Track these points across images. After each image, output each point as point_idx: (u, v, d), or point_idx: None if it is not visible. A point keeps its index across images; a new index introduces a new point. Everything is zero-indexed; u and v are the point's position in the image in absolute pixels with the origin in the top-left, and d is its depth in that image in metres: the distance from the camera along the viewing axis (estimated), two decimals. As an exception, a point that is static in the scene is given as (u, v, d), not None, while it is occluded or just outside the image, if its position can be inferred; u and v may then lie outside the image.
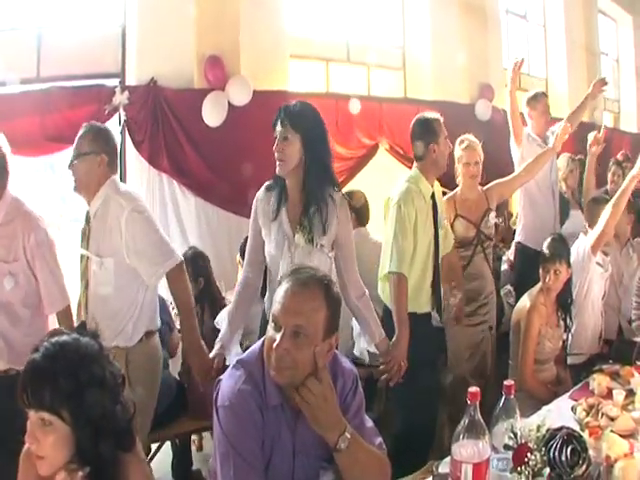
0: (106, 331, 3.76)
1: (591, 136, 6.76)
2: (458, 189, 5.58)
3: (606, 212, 5.10)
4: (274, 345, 2.32)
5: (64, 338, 2.19)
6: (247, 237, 5.13)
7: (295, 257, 3.74)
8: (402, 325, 4.23)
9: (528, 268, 6.02)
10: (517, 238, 6.63)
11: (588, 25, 13.32)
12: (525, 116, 6.53)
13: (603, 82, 6.50)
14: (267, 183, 3.89)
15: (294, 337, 2.32)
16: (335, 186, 3.85)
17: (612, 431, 3.26)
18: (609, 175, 8.51)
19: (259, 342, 2.54)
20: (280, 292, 2.41)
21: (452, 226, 5.26)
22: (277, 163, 3.72)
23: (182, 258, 4.05)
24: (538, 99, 6.59)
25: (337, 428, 2.37)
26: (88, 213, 4.07)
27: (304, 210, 3.74)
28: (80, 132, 4.06)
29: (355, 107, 8.02)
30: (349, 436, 2.37)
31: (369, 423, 2.65)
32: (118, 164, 4.17)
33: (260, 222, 3.86)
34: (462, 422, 2.42)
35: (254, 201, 3.91)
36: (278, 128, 3.71)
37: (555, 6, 12.75)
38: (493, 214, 5.58)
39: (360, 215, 5.94)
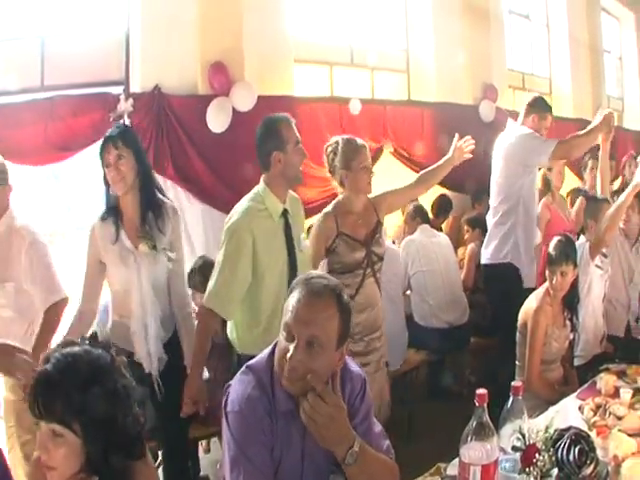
0: None
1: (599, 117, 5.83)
2: (337, 201, 4.61)
3: (603, 224, 5.11)
4: (288, 356, 2.32)
5: (76, 349, 2.19)
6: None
7: (141, 267, 3.94)
8: (195, 367, 3.92)
9: (512, 296, 5.53)
10: (505, 259, 5.85)
11: (591, 24, 13.36)
12: (522, 112, 6.07)
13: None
14: (100, 214, 4.03)
15: (308, 347, 2.32)
16: (164, 195, 4.20)
17: (620, 430, 3.28)
18: (626, 169, 8.63)
19: (269, 347, 2.54)
20: (292, 301, 2.39)
21: (333, 249, 4.43)
22: (113, 186, 3.92)
23: (65, 296, 4.14)
24: (547, 114, 5.98)
25: (345, 443, 2.35)
26: None
27: (142, 220, 3.96)
28: None
29: (356, 107, 8.02)
30: (357, 449, 2.36)
31: (377, 427, 2.66)
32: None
33: (101, 250, 4.00)
34: (470, 424, 2.43)
35: (89, 234, 4.05)
36: (110, 151, 3.88)
37: (558, 5, 12.76)
38: (384, 229, 4.90)
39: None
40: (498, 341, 6.07)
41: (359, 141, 4.54)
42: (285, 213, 4.05)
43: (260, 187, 4.06)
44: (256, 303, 3.97)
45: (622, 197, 5.13)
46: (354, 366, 2.67)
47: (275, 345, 2.47)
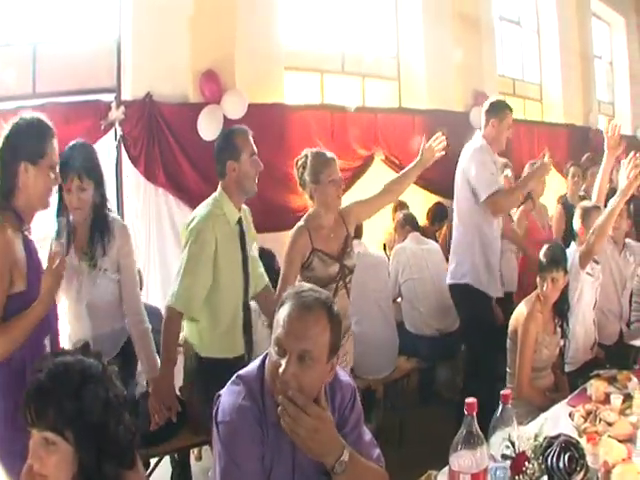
0: None
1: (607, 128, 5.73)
2: (309, 215, 4.52)
3: (592, 234, 5.05)
4: (280, 370, 2.32)
5: (68, 358, 2.20)
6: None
7: (82, 286, 3.98)
8: (166, 366, 3.98)
9: (479, 310, 5.70)
10: (463, 279, 5.72)
11: (582, 29, 13.42)
12: (482, 121, 5.84)
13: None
14: (55, 229, 3.92)
15: (300, 361, 2.31)
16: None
17: (610, 436, 3.30)
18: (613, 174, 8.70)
19: (260, 358, 2.54)
20: (283, 316, 2.38)
21: (307, 265, 4.39)
22: (70, 210, 3.94)
23: None
24: (507, 112, 5.78)
25: (333, 453, 2.34)
26: None
27: (89, 238, 3.98)
28: None
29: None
30: (346, 459, 2.35)
31: (367, 436, 2.66)
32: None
33: None
34: (459, 433, 2.44)
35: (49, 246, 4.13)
36: (73, 179, 3.87)
37: (548, 11, 12.82)
38: (356, 242, 4.96)
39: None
40: (466, 357, 6.09)
41: (328, 154, 4.49)
42: (240, 221, 4.21)
43: (217, 193, 4.19)
44: (216, 304, 4.10)
45: (610, 206, 5.05)
46: (344, 376, 2.69)
47: (265, 356, 2.48)
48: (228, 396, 2.46)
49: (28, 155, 3.23)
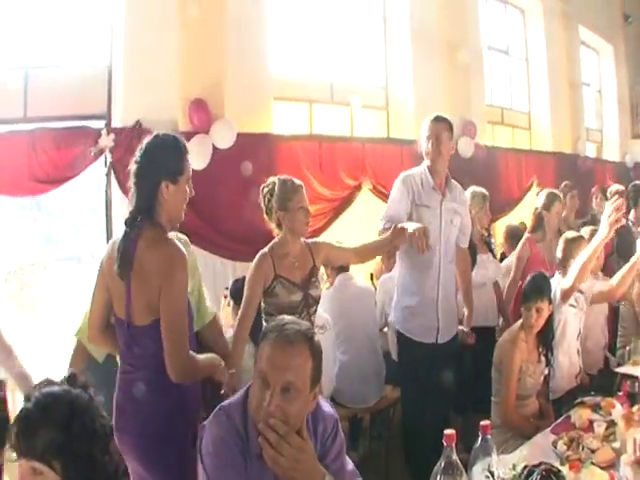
0: None
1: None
2: (274, 242, 4.45)
3: (574, 270, 4.96)
4: (265, 403, 2.34)
5: (55, 389, 2.22)
6: (236, 279, 5.05)
7: None
8: None
9: (401, 352, 5.42)
10: (396, 326, 5.34)
11: (570, 57, 13.57)
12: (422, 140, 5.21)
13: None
14: None
15: (284, 393, 2.34)
16: None
17: (592, 463, 3.31)
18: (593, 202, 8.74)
19: (243, 389, 2.56)
20: (266, 348, 2.41)
21: (270, 291, 4.32)
22: None
23: None
24: (424, 125, 5.16)
25: None
26: None
27: None
28: None
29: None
30: None
31: (349, 466, 2.69)
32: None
33: None
34: (439, 463, 2.47)
35: None
36: None
37: (537, 40, 12.94)
38: (321, 274, 4.86)
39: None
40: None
41: (296, 181, 4.44)
42: None
43: None
44: None
45: (591, 247, 4.87)
46: (326, 406, 2.70)
47: (248, 388, 2.50)
48: (211, 427, 2.48)
49: (169, 174, 3.30)
